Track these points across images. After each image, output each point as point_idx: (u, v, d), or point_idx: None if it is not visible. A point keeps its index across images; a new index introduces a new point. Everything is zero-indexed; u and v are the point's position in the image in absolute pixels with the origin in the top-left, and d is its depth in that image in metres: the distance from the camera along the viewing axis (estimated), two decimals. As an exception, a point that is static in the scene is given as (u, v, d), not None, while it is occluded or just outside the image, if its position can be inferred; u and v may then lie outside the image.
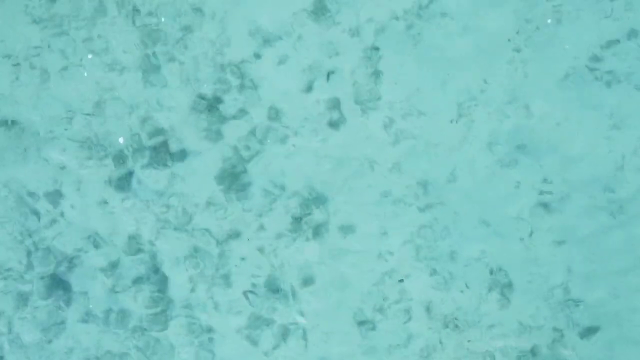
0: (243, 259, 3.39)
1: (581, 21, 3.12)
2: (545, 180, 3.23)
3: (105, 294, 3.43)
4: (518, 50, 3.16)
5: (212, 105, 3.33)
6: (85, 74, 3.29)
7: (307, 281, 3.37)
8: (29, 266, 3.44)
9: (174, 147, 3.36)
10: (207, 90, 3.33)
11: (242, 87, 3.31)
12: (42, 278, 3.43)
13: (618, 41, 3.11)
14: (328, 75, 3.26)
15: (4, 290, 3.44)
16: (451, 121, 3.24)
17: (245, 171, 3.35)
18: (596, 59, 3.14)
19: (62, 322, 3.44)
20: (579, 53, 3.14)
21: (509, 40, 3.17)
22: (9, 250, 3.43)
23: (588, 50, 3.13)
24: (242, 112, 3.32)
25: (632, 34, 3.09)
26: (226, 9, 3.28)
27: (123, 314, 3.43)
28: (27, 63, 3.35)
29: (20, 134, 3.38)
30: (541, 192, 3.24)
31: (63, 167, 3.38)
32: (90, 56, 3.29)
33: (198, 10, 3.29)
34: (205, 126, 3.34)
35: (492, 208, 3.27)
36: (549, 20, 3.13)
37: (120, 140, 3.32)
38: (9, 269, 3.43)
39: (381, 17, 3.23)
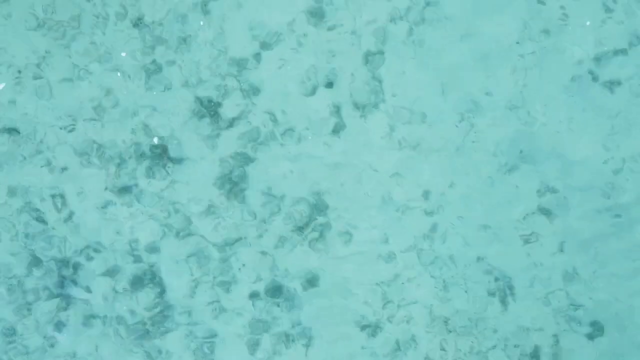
0: (244, 264, 3.39)
1: (584, 27, 3.12)
2: (546, 186, 3.24)
3: (106, 298, 3.43)
4: (521, 56, 3.16)
5: (212, 109, 3.32)
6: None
7: (310, 286, 3.37)
8: (32, 271, 3.43)
9: (174, 152, 3.35)
10: (208, 95, 3.32)
11: (242, 92, 3.30)
12: (44, 282, 3.43)
13: (620, 47, 3.11)
14: (328, 84, 3.25)
15: (7, 294, 3.44)
16: (453, 127, 3.24)
17: (245, 176, 3.34)
18: (598, 64, 3.14)
19: (64, 326, 3.44)
20: (582, 59, 3.13)
21: (511, 46, 3.16)
22: (12, 255, 3.42)
23: (591, 56, 3.13)
24: (242, 116, 3.32)
25: (634, 40, 3.09)
26: (226, 14, 3.27)
27: (124, 319, 3.43)
28: (30, 70, 3.34)
29: (23, 140, 3.37)
30: (542, 196, 3.25)
31: (65, 173, 3.38)
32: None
33: (199, 15, 3.28)
34: (206, 131, 3.33)
35: (494, 213, 3.27)
36: (552, 26, 3.13)
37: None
38: (11, 274, 3.43)
39: (382, 21, 3.22)
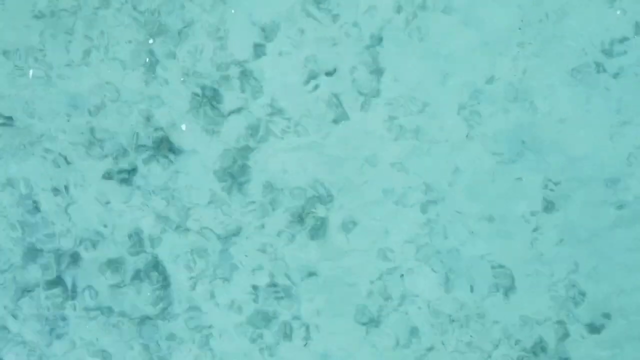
0: (244, 256, 3.38)
1: (588, 15, 3.07)
2: (549, 177, 3.21)
3: (106, 289, 3.44)
4: (523, 45, 3.12)
5: (212, 100, 3.31)
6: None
7: (309, 279, 3.36)
8: (31, 262, 3.44)
9: (174, 142, 3.35)
10: (208, 85, 3.30)
11: (242, 82, 3.29)
12: (44, 274, 3.44)
13: (626, 35, 3.07)
14: (328, 73, 3.23)
15: (7, 285, 3.45)
16: (454, 117, 3.21)
17: (245, 167, 3.33)
18: (604, 53, 3.10)
19: (64, 318, 3.45)
20: (585, 48, 3.09)
21: (513, 34, 3.13)
22: (12, 245, 3.44)
23: (595, 45, 3.09)
24: (243, 107, 3.30)
25: (639, 27, 3.04)
26: (226, 3, 3.25)
27: (124, 310, 3.44)
28: (28, 59, 3.34)
29: (21, 130, 3.37)
30: (545, 189, 3.22)
31: (64, 164, 3.38)
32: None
33: (198, 4, 3.26)
34: (206, 121, 3.32)
35: (496, 205, 3.24)
36: (555, 13, 3.09)
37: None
38: (11, 265, 3.44)
39: (382, 10, 3.19)
